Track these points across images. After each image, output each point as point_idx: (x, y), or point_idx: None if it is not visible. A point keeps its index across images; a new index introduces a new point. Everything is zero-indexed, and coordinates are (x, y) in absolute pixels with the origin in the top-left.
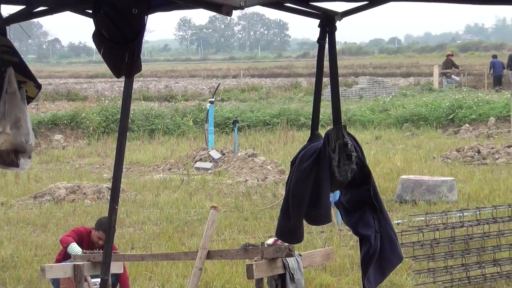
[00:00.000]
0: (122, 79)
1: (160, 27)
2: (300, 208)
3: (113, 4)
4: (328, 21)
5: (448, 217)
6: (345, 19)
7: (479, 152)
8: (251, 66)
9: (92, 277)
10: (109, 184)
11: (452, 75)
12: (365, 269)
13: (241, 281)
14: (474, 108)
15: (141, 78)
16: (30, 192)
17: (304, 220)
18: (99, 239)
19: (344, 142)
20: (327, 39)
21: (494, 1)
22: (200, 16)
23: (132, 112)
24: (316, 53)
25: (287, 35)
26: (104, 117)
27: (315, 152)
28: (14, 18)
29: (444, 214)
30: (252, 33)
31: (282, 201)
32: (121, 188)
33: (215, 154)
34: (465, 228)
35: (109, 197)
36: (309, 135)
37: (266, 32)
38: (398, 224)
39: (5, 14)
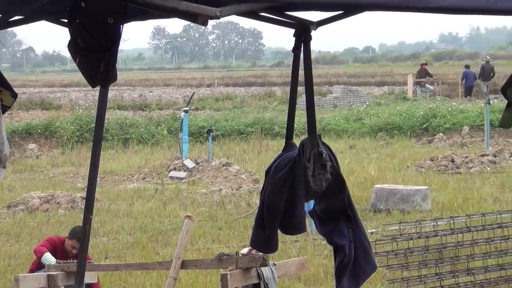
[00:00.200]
0: (97, 88)
1: (135, 36)
2: (274, 218)
3: (88, 13)
4: (303, 30)
5: (422, 226)
6: (319, 28)
7: (453, 161)
8: (225, 75)
9: (66, 287)
10: (83, 194)
11: (426, 84)
12: (339, 279)
13: None
14: (448, 117)
15: (115, 87)
16: (4, 202)
17: (278, 230)
18: (73, 248)
19: (319, 152)
20: (302, 48)
21: (468, 11)
22: (175, 25)
23: (106, 121)
24: (291, 62)
25: (262, 44)
26: (78, 126)
27: (290, 162)
28: None
29: (418, 223)
30: (226, 42)
31: (256, 210)
32: (95, 198)
33: (189, 164)
34: (439, 237)
35: (83, 207)
36: (284, 144)
37: (240, 41)
38: (372, 233)
39: None
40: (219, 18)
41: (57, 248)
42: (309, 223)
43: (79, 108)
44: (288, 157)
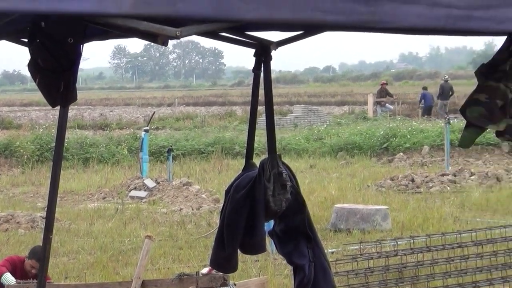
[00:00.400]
0: (57, 107)
1: (95, 55)
2: (234, 237)
3: (49, 33)
4: (263, 50)
5: (382, 246)
6: (280, 48)
7: (413, 180)
8: (186, 94)
9: None
10: (43, 213)
11: (387, 104)
12: None
13: None
14: (408, 136)
15: (76, 107)
16: None
17: (238, 250)
18: (32, 268)
19: (279, 172)
20: (262, 68)
21: (427, 31)
22: (135, 44)
23: (66, 140)
24: (251, 82)
25: (222, 63)
26: (39, 146)
27: (250, 182)
28: None
29: (378, 243)
30: (187, 61)
31: (216, 230)
32: (55, 217)
33: (150, 183)
34: (399, 257)
35: (43, 226)
36: (244, 164)
37: (201, 60)
38: (332, 253)
39: None
40: (179, 38)
41: (17, 268)
42: (270, 243)
43: (39, 127)
44: (248, 177)
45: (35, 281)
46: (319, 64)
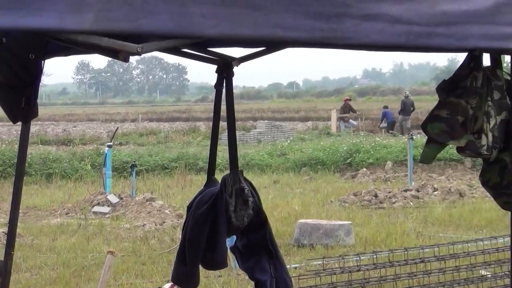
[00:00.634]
0: (19, 123)
1: (58, 71)
2: (196, 253)
3: (9, 49)
4: (225, 66)
5: (345, 261)
6: (243, 64)
7: (376, 196)
8: (149, 110)
9: None
10: (5, 229)
11: (350, 120)
12: None
13: None
14: (372, 152)
15: (39, 122)
16: None
17: (200, 265)
18: None
19: (240, 187)
20: (224, 84)
21: (389, 48)
22: (99, 60)
23: (29, 156)
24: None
25: (186, 79)
26: (1, 161)
27: (211, 197)
28: None
29: (341, 258)
30: (151, 77)
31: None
32: (17, 233)
33: (113, 199)
34: (362, 272)
35: (5, 242)
36: (206, 180)
37: (165, 76)
38: (295, 268)
39: None
40: (140, 55)
41: None
42: (232, 258)
43: (2, 143)
44: (209, 193)
45: None
46: (282, 80)
